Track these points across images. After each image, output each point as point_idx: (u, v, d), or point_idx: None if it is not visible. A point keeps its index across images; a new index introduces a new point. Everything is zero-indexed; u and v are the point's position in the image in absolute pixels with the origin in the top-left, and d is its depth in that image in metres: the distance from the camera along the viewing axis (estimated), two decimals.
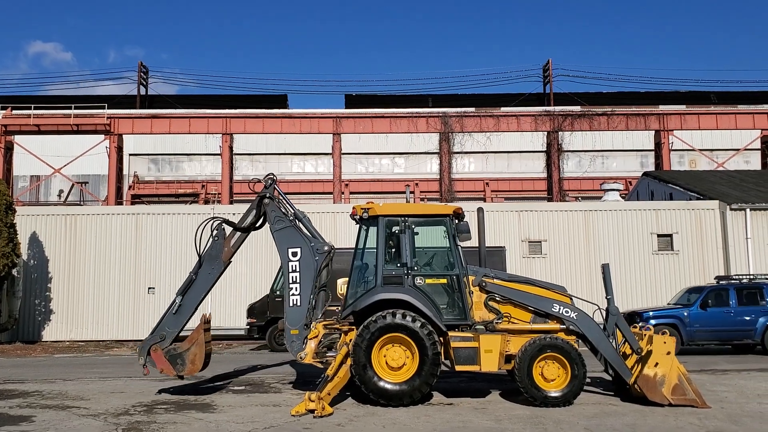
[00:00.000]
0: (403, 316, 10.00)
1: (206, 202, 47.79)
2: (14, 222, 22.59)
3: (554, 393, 9.92)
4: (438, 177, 42.20)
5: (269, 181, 11.80)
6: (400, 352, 10.10)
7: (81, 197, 48.63)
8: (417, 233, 11.35)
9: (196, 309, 11.66)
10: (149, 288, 25.22)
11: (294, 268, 11.14)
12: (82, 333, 24.64)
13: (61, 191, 49.21)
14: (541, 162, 45.40)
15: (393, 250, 10.72)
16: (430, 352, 9.92)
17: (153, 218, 25.82)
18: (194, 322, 11.66)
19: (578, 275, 25.49)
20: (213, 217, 11.77)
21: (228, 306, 24.90)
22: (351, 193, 48.11)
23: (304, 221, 11.66)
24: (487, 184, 50.38)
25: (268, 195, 11.69)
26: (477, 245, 11.57)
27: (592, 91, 60.88)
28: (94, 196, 45.94)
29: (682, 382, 9.93)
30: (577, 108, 42.18)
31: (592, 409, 9.80)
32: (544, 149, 42.21)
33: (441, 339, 10.28)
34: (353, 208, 10.90)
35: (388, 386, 9.98)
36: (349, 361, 10.11)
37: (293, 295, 11.04)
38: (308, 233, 11.50)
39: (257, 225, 12.00)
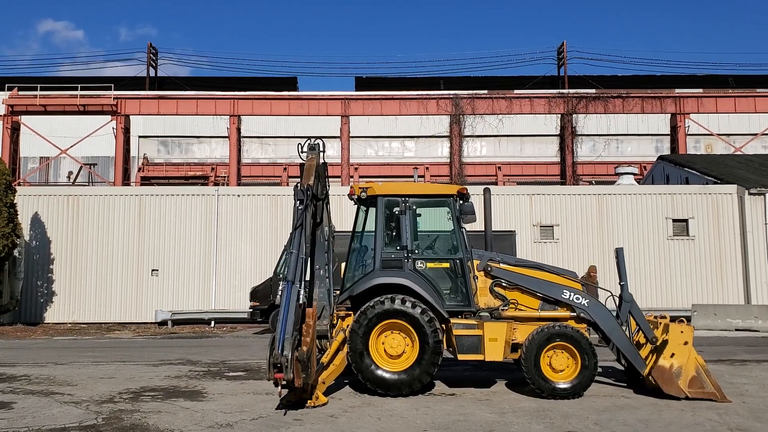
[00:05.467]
0: (403, 302, 9.44)
1: (216, 185, 47.36)
2: (14, 202, 22.23)
3: (563, 384, 9.34)
4: (449, 161, 41.50)
5: (318, 147, 10.24)
6: (400, 340, 9.55)
7: (89, 179, 48.35)
8: (420, 215, 10.79)
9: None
10: (152, 270, 24.84)
11: (326, 248, 10.27)
12: (85, 315, 24.32)
13: (70, 173, 48.94)
14: (555, 146, 44.57)
15: (393, 232, 10.13)
16: (431, 339, 9.36)
17: (156, 199, 25.38)
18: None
19: (591, 261, 24.76)
20: (299, 186, 9.51)
21: (232, 289, 24.51)
22: (360, 176, 47.43)
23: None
24: (499, 168, 49.53)
25: (323, 163, 10.20)
26: (483, 228, 10.99)
27: (607, 74, 59.67)
28: (102, 178, 45.61)
29: (700, 375, 9.31)
30: (591, 90, 41.21)
31: (603, 401, 9.21)
32: (558, 133, 41.37)
33: (443, 326, 9.70)
34: (351, 187, 10.31)
35: (387, 375, 9.44)
36: (345, 349, 9.58)
37: (328, 277, 10.19)
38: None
39: None
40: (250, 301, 20.71)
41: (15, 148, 36.62)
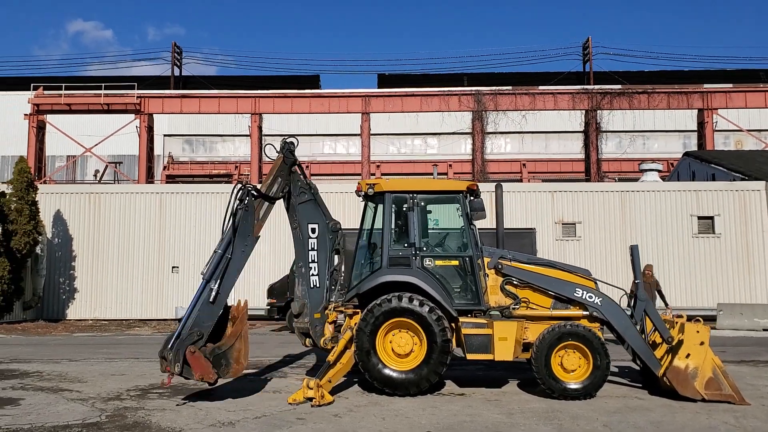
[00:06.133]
0: (410, 300, 9.27)
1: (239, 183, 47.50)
2: (36, 200, 22.48)
3: (574, 385, 9.11)
4: (471, 158, 41.16)
5: (290, 146, 10.24)
6: (408, 338, 9.39)
7: (115, 177, 48.91)
8: (430, 212, 10.63)
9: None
10: (173, 267, 24.99)
11: (313, 246, 10.18)
12: (106, 312, 24.55)
13: (96, 171, 49.55)
14: (580, 143, 43.93)
15: (401, 229, 9.96)
16: (439, 339, 9.19)
17: (177, 197, 25.53)
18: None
19: (614, 259, 24.39)
20: (243, 184, 9.96)
21: (251, 285, 24.40)
22: (382, 174, 47.30)
23: (317, 196, 10.68)
24: (524, 165, 49.09)
25: (294, 160, 10.25)
26: (495, 226, 10.80)
27: (634, 69, 58.91)
28: (126, 176, 46.07)
29: (717, 376, 9.01)
30: (615, 86, 40.58)
31: (616, 403, 8.96)
32: (582, 129, 40.82)
33: (452, 325, 9.52)
34: (358, 184, 10.16)
35: (394, 374, 9.29)
36: (353, 347, 9.45)
37: (313, 275, 10.12)
38: (322, 209, 10.61)
39: (280, 196, 10.41)
40: (267, 298, 20.72)
41: (41, 147, 37.12)
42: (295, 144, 10.32)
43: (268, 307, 20.57)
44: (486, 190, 24.89)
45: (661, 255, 24.52)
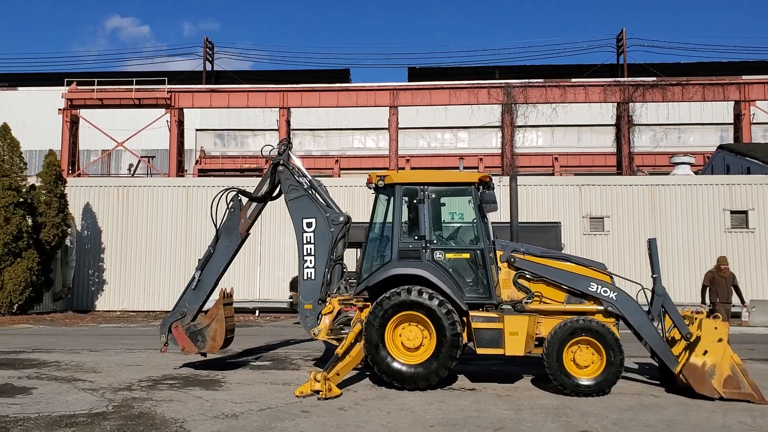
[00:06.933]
0: (420, 293, 9.15)
1: None
2: (65, 192, 22.83)
3: (586, 381, 8.90)
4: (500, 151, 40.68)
5: (282, 147, 11.11)
6: (417, 332, 9.27)
7: (148, 171, 49.56)
8: (444, 204, 10.49)
9: (216, 283, 11.19)
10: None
11: (309, 240, 10.64)
12: (134, 303, 24.88)
13: (131, 165, 50.31)
14: (613, 136, 43.14)
15: (411, 221, 9.84)
16: (449, 332, 9.05)
17: (203, 190, 25.72)
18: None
19: (642, 254, 23.74)
20: (228, 188, 11.37)
21: (277, 279, 24.63)
22: (412, 168, 47.14)
23: (320, 190, 10.99)
24: (556, 159, 48.39)
25: (282, 162, 10.98)
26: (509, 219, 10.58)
27: (669, 61, 57.61)
28: (158, 170, 46.64)
29: (735, 374, 8.71)
30: (648, 78, 39.72)
31: (629, 400, 8.73)
32: (614, 122, 40.08)
33: (463, 319, 9.38)
34: (369, 176, 10.07)
35: (403, 368, 9.18)
36: (363, 341, 9.37)
37: (308, 267, 10.56)
38: (323, 203, 10.83)
39: (273, 195, 11.35)
40: (290, 291, 20.78)
41: (74, 141, 37.76)
42: (289, 145, 11.26)
43: (290, 300, 20.63)
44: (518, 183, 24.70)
45: (693, 250, 24.01)
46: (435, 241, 9.65)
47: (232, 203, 11.16)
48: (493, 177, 10.48)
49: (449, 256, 9.62)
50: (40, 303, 22.35)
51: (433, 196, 9.84)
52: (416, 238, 9.58)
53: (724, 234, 24.07)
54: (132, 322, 21.62)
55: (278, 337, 16.66)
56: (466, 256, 9.68)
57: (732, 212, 24.06)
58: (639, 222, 24.45)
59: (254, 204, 11.19)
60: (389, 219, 9.81)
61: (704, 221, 24.18)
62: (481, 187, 9.75)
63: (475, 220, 9.76)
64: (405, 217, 9.82)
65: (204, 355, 11.12)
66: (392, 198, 9.78)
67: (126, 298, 24.92)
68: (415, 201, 9.73)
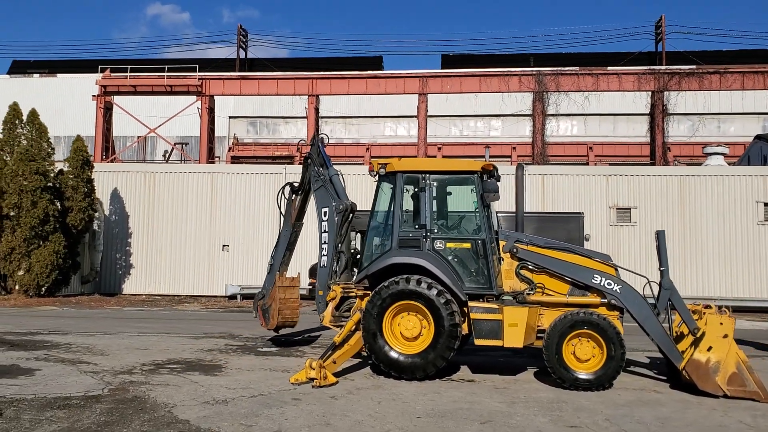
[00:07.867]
0: (418, 283, 9.06)
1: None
2: (92, 177, 23.20)
3: (585, 375, 8.72)
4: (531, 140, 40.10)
5: (312, 141, 11.77)
6: (416, 322, 9.19)
7: (181, 158, 50.15)
8: (450, 193, 10.34)
9: (279, 266, 12.11)
10: (223, 245, 25.41)
11: (324, 228, 11.02)
12: (159, 287, 25.22)
13: (165, 151, 51.02)
14: (648, 125, 42.17)
15: (413, 210, 9.73)
16: (447, 323, 8.94)
17: (228, 177, 25.94)
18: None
19: (670, 247, 23.17)
20: (287, 183, 12.25)
21: (297, 266, 24.57)
22: (443, 157, 46.77)
23: (334, 179, 11.13)
24: (590, 148, 47.52)
25: (308, 155, 11.62)
26: (515, 209, 10.41)
27: (710, 49, 56.12)
28: (189, 157, 47.13)
29: (741, 371, 8.44)
30: (684, 66, 38.68)
31: (629, 395, 8.53)
32: (648, 111, 39.17)
33: (462, 309, 9.25)
34: (370, 163, 9.98)
35: (400, 358, 9.12)
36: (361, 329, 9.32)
37: (323, 255, 10.92)
38: (334, 192, 10.93)
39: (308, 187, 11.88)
40: (309, 278, 20.77)
41: (108, 127, 38.32)
42: (321, 139, 11.64)
43: (310, 287, 20.64)
44: (541, 173, 24.19)
45: (724, 243, 23.39)
46: (436, 230, 9.53)
47: (285, 195, 12.10)
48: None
49: (450, 245, 9.50)
50: (67, 286, 22.79)
51: (435, 184, 9.71)
52: (417, 227, 9.47)
53: (756, 227, 23.38)
54: (155, 305, 21.94)
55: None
56: (467, 245, 9.54)
57: (766, 204, 23.34)
58: (667, 213, 23.88)
59: (298, 196, 12.05)
60: (391, 207, 9.72)
61: (736, 213, 23.50)
62: (484, 176, 9.58)
63: (477, 210, 9.60)
64: (406, 206, 9.71)
65: (276, 331, 12.18)
66: (394, 186, 9.68)
67: (152, 282, 25.28)
68: (416, 189, 9.62)
